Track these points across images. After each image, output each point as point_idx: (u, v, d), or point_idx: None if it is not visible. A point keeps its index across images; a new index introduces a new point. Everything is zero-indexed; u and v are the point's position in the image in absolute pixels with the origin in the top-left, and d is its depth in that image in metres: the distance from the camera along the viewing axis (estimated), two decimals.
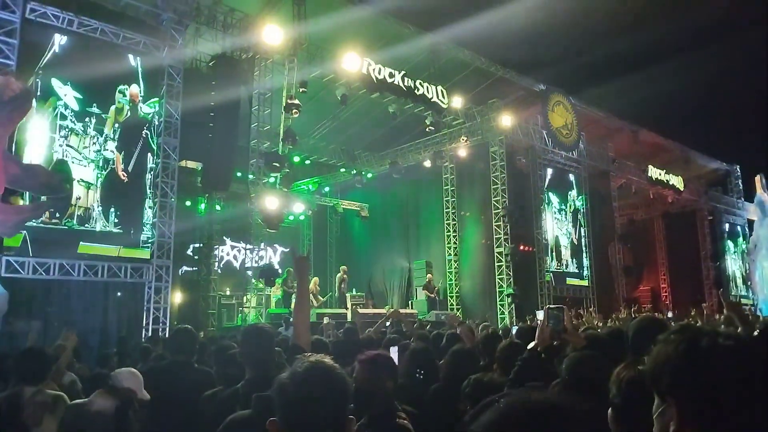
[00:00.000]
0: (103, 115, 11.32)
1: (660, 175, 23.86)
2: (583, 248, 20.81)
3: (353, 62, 14.48)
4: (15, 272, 9.93)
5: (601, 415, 1.73)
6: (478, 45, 17.69)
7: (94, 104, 11.27)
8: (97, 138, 11.24)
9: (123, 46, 11.55)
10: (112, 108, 11.49)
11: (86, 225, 10.89)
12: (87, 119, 11.11)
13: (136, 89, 11.79)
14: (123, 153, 11.50)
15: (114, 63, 11.49)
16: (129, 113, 11.66)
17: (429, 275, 18.45)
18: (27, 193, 10.25)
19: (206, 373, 4.11)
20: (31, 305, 10.62)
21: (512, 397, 0.97)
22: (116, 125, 11.48)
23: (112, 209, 11.23)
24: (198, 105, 12.88)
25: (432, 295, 17.95)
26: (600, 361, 2.59)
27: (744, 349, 1.15)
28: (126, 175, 11.50)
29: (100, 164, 11.22)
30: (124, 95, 11.66)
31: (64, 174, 10.66)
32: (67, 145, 10.82)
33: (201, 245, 15.50)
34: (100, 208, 11.08)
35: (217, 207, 17.10)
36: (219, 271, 17.33)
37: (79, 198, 10.90)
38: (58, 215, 10.52)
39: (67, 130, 10.83)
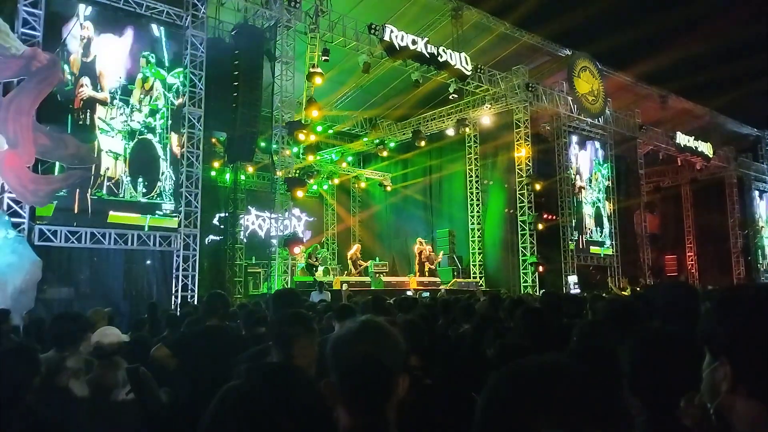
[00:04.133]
0: (129, 86, 11.42)
1: (688, 141, 23.37)
2: (605, 217, 20.54)
3: (376, 29, 14.35)
4: (48, 241, 10.19)
5: (606, 382, 1.70)
6: (502, 10, 17.39)
7: (120, 75, 11.36)
8: (124, 109, 11.35)
9: (146, 15, 11.57)
10: (139, 77, 11.57)
11: (115, 195, 11.09)
12: (113, 90, 11.22)
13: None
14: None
15: (137, 33, 11.55)
16: (153, 83, 11.72)
17: (428, 247, 18.57)
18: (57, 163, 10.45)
19: (239, 337, 4.20)
20: (63, 273, 10.90)
21: (521, 360, 1.00)
22: (142, 96, 11.59)
23: (140, 179, 11.39)
24: (221, 74, 12.91)
25: (432, 267, 18.08)
26: (610, 330, 2.57)
27: None
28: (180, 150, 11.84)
29: (127, 135, 11.35)
30: (149, 62, 11.70)
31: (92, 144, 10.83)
32: (98, 117, 10.96)
33: (226, 214, 15.70)
34: (129, 179, 11.26)
35: (242, 176, 17.26)
36: (245, 240, 17.57)
37: (108, 168, 11.07)
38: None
39: (93, 101, 10.95)
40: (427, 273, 18.09)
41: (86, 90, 11.07)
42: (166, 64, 11.94)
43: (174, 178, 11.87)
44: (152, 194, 11.55)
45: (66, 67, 10.66)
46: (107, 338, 3.53)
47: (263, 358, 2.89)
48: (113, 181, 11.08)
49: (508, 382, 0.95)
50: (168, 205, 11.73)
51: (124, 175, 11.22)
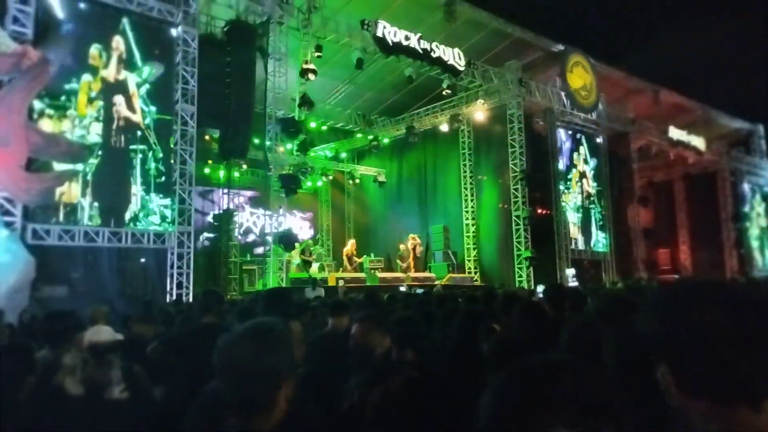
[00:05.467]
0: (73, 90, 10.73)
1: (681, 135, 23.46)
2: (594, 220, 20.42)
3: (368, 25, 14.32)
4: (41, 239, 10.14)
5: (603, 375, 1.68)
6: (495, 5, 17.38)
7: (74, 79, 10.71)
8: (76, 119, 10.69)
9: (137, 12, 11.48)
10: (85, 78, 10.79)
11: (71, 222, 10.42)
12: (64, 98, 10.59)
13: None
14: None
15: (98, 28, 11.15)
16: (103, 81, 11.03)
17: (402, 246, 18.43)
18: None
19: None
20: (57, 271, 10.85)
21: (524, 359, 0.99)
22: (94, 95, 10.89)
23: (97, 204, 10.68)
24: (214, 71, 12.86)
25: (404, 265, 18.00)
26: (602, 325, 2.59)
27: (739, 300, 1.01)
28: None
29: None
30: (101, 56, 10.96)
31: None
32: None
33: (221, 212, 15.66)
34: (89, 204, 10.58)
35: (236, 174, 17.22)
36: (239, 237, 17.53)
37: (63, 193, 10.34)
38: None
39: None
40: (420, 267, 18.09)
41: (122, 109, 10.87)
42: (141, 63, 11.53)
43: (153, 201, 11.42)
44: (122, 220, 10.94)
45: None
46: (99, 336, 3.51)
47: None
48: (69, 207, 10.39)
49: (514, 381, 0.95)
50: (154, 219, 11.49)
51: (83, 199, 10.56)
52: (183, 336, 4.31)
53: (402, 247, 18.34)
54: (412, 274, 17.08)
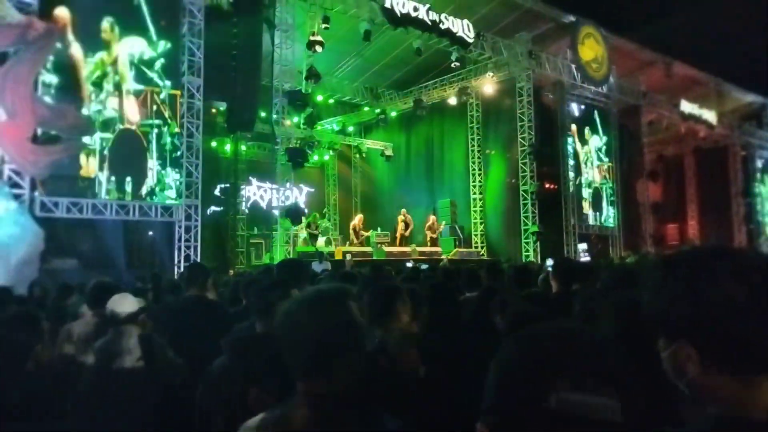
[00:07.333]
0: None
1: (693, 109, 23.15)
2: (605, 197, 20.31)
3: None
4: (49, 212, 10.18)
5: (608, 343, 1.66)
6: None
7: (88, 53, 10.66)
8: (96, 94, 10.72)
9: None
10: (101, 54, 10.74)
11: (90, 196, 10.53)
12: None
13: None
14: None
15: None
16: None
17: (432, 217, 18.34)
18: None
19: (220, 305, 4.21)
20: (66, 243, 10.91)
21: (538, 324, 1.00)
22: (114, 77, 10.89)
23: (114, 178, 10.78)
24: (220, 43, 12.73)
25: (434, 235, 17.96)
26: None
27: (748, 268, 0.97)
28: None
29: (102, 125, 10.75)
30: (113, 29, 10.87)
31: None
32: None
33: (227, 185, 15.67)
34: (107, 178, 10.71)
35: (243, 147, 17.17)
36: (246, 210, 17.55)
37: (81, 168, 10.47)
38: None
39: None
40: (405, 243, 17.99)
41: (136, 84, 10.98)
42: (155, 38, 11.39)
43: (168, 175, 11.49)
44: (139, 194, 11.06)
45: None
46: (122, 305, 3.52)
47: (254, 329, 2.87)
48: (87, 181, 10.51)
49: (522, 347, 0.96)
50: (170, 193, 11.51)
51: (100, 173, 10.66)
52: (167, 309, 4.31)
53: (432, 218, 18.27)
54: (419, 248, 17.04)
